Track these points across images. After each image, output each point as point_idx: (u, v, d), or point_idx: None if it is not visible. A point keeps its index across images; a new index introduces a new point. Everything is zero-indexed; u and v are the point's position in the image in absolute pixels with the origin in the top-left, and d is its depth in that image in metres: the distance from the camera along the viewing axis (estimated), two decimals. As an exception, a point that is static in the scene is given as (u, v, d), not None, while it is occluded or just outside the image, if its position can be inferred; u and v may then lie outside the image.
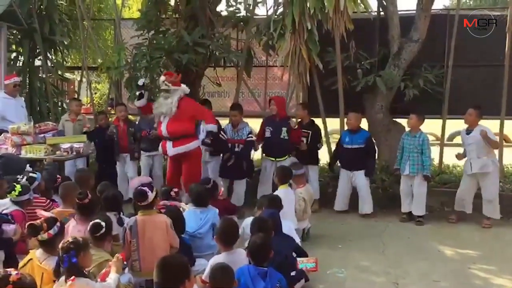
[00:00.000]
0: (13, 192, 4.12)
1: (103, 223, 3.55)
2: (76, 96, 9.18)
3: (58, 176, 5.11)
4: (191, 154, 5.82)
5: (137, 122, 7.12)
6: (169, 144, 5.81)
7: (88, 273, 3.08)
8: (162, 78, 5.80)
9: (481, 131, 5.92)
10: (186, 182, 5.67)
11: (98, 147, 6.98)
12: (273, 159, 6.55)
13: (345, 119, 6.81)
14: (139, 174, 6.96)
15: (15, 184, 4.17)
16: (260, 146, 6.78)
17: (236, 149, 6.47)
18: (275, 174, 5.70)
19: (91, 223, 3.56)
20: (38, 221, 3.31)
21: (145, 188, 3.97)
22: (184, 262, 2.92)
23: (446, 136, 7.71)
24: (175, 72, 6.19)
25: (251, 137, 6.51)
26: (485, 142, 5.95)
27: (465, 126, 6.28)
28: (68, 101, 8.72)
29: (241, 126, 6.51)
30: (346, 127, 6.78)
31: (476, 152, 6.03)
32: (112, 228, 3.75)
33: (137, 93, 6.09)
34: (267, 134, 6.58)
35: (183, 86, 5.87)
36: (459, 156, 6.41)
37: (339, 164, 6.84)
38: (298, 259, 4.14)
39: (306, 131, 6.69)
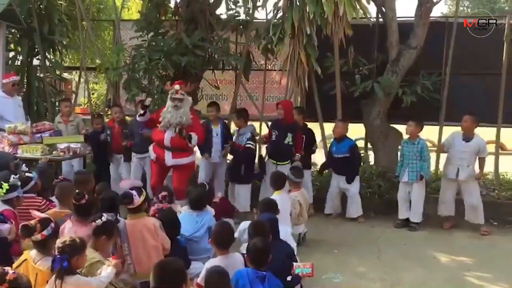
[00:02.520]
0: (0, 190, 4.03)
1: (109, 225, 3.52)
2: (73, 97, 9.16)
3: (62, 177, 5.06)
4: (187, 164, 5.87)
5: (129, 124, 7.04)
6: (168, 154, 5.77)
7: (80, 273, 3.07)
8: (177, 87, 5.67)
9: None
10: (176, 188, 5.61)
11: (93, 150, 6.94)
12: (275, 162, 6.51)
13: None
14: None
15: (2, 182, 4.06)
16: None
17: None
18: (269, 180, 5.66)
19: (93, 223, 3.51)
20: (31, 221, 3.25)
21: (132, 192, 3.91)
22: (180, 267, 2.92)
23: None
24: (173, 75, 6.16)
25: (250, 143, 6.37)
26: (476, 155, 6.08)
27: (458, 131, 6.28)
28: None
29: (242, 131, 6.48)
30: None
31: (468, 161, 6.08)
32: (114, 230, 3.71)
33: (142, 111, 5.92)
34: (272, 137, 6.52)
35: (189, 96, 5.86)
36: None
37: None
38: (294, 264, 4.12)
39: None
